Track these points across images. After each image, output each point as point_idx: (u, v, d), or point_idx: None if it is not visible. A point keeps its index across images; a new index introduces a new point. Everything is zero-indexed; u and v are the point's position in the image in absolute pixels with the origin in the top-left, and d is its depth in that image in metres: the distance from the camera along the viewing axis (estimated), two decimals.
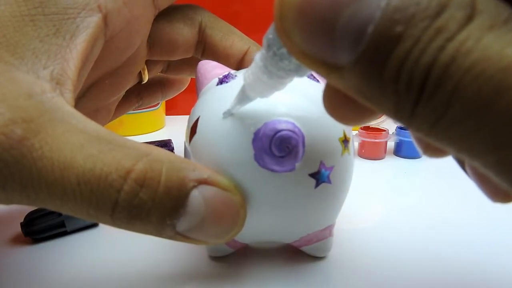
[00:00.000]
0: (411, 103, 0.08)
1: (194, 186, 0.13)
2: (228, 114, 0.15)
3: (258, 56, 0.12)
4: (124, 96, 0.24)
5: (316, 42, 0.08)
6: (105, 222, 0.13)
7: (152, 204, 0.12)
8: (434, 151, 0.12)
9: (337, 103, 0.11)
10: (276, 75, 0.11)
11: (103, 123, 0.24)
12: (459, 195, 0.28)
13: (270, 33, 0.11)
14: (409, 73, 0.07)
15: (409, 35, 0.07)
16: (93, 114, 0.22)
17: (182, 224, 0.13)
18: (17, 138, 0.11)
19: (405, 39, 0.07)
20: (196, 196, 0.13)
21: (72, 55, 0.14)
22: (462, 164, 0.12)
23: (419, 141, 0.12)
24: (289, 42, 0.09)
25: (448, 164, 0.35)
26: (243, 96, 0.14)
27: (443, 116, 0.07)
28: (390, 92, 0.08)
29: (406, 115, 0.08)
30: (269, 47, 0.11)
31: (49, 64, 0.13)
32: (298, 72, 0.11)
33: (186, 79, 0.29)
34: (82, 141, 0.12)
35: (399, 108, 0.08)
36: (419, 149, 0.12)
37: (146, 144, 0.13)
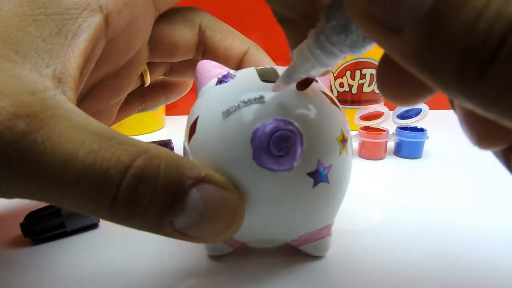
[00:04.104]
0: (484, 61, 0.07)
1: (192, 184, 0.13)
2: (227, 113, 0.15)
3: (312, 31, 0.12)
4: (126, 99, 0.25)
5: (379, 2, 0.08)
6: (104, 217, 0.13)
7: (150, 199, 0.12)
8: (489, 141, 0.10)
9: (390, 79, 0.11)
10: (330, 51, 0.11)
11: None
12: (459, 195, 0.28)
13: (330, 4, 0.11)
14: (489, 24, 0.07)
15: None
16: (95, 116, 0.22)
17: (180, 221, 0.13)
18: (20, 132, 0.12)
19: None
20: (194, 193, 0.13)
21: (74, 54, 0.14)
22: (507, 163, 0.11)
23: (473, 129, 0.11)
24: (352, 3, 0.09)
25: (448, 164, 0.35)
26: (290, 74, 0.14)
27: None
28: (457, 51, 0.07)
29: (471, 79, 0.07)
30: (328, 18, 0.11)
31: (52, 63, 0.13)
32: (353, 49, 0.11)
33: (188, 82, 0.29)
34: (84, 137, 0.12)
35: (464, 70, 0.07)
36: (471, 140, 0.11)
37: (145, 142, 0.13)
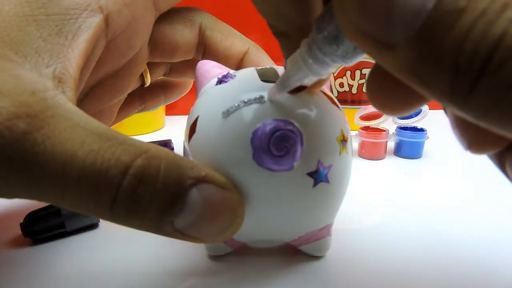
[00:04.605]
0: (473, 77, 0.07)
1: (192, 184, 0.13)
2: (227, 113, 0.15)
3: (305, 41, 0.12)
4: (127, 99, 0.25)
5: (372, 19, 0.08)
6: (104, 217, 0.13)
7: (150, 199, 0.12)
8: (480, 146, 0.11)
9: (381, 90, 0.11)
10: (322, 60, 0.11)
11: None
12: (459, 195, 0.28)
13: (322, 15, 0.11)
14: (475, 45, 0.07)
15: (472, 9, 0.07)
16: (96, 116, 0.22)
17: (180, 221, 0.13)
18: (20, 132, 0.12)
19: (468, 12, 0.07)
20: (194, 193, 0.13)
21: (74, 54, 0.14)
22: (502, 166, 0.12)
23: (464, 134, 0.11)
24: (345, 19, 0.09)
25: (448, 164, 0.35)
26: (284, 82, 0.14)
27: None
28: (448, 67, 0.08)
29: (463, 93, 0.08)
30: (319, 29, 0.11)
31: (52, 63, 0.13)
32: (344, 59, 0.11)
33: (188, 83, 0.29)
34: (84, 137, 0.12)
35: (456, 84, 0.08)
36: (462, 144, 0.11)
37: (145, 142, 0.13)
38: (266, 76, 0.17)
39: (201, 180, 0.13)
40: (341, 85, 0.45)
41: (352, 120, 0.36)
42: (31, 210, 0.21)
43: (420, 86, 0.09)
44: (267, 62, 0.23)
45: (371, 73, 0.11)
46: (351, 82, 0.44)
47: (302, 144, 0.15)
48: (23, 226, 0.21)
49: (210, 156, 0.15)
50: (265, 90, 0.15)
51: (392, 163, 0.35)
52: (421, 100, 0.11)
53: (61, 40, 0.14)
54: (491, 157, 0.12)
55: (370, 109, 0.36)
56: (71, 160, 0.12)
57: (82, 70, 0.15)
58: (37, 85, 0.13)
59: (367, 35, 0.09)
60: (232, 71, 0.18)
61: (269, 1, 0.12)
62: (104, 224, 0.23)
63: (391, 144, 0.37)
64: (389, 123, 0.37)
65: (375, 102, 0.11)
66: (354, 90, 0.44)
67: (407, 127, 0.36)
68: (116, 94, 0.22)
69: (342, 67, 0.44)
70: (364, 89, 0.44)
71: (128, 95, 0.24)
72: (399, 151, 0.36)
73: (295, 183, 0.15)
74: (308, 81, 0.13)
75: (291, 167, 0.15)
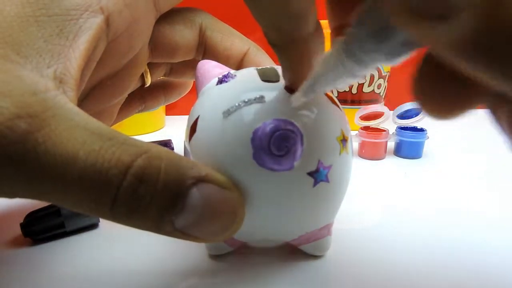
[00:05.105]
0: None
1: (193, 183, 0.13)
2: (228, 113, 0.15)
3: (339, 39, 0.10)
4: (127, 99, 0.25)
5: None
6: (104, 217, 0.13)
7: (151, 199, 0.12)
8: None
9: (430, 87, 0.09)
10: (362, 60, 0.10)
11: None
12: (459, 195, 0.28)
13: (362, 10, 0.10)
14: None
15: None
16: (96, 116, 0.22)
17: (181, 221, 0.13)
18: (22, 132, 0.12)
19: None
20: (195, 193, 0.13)
21: (75, 55, 0.14)
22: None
23: None
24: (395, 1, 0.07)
25: (448, 164, 0.35)
26: (313, 87, 0.13)
27: None
28: None
29: None
30: (360, 25, 0.10)
31: (53, 63, 0.14)
32: (387, 56, 0.09)
33: (188, 83, 0.29)
34: (85, 137, 0.12)
35: None
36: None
37: (146, 142, 0.14)
38: (266, 76, 0.17)
39: (201, 180, 0.13)
40: None
41: (352, 120, 0.36)
42: (31, 210, 0.21)
43: (484, 68, 0.06)
44: (268, 62, 0.23)
45: (418, 71, 0.10)
46: None
47: (302, 143, 0.15)
48: (23, 226, 0.21)
49: (211, 155, 0.15)
50: (265, 90, 0.16)
51: (392, 163, 0.35)
52: (478, 96, 0.09)
53: (62, 40, 0.14)
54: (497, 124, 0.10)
55: (370, 109, 0.36)
56: (72, 160, 0.12)
57: (83, 71, 0.15)
58: (38, 85, 0.13)
59: (420, 13, 0.07)
60: (232, 71, 0.18)
61: (266, 12, 0.12)
62: (104, 224, 0.23)
63: (391, 144, 0.37)
64: (389, 123, 0.37)
65: (425, 103, 0.09)
66: (354, 90, 0.44)
67: (407, 127, 0.36)
68: (116, 94, 0.22)
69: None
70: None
71: (128, 95, 0.24)
72: (399, 151, 0.36)
73: (295, 183, 0.15)
74: (343, 84, 0.11)
75: (291, 167, 0.15)
